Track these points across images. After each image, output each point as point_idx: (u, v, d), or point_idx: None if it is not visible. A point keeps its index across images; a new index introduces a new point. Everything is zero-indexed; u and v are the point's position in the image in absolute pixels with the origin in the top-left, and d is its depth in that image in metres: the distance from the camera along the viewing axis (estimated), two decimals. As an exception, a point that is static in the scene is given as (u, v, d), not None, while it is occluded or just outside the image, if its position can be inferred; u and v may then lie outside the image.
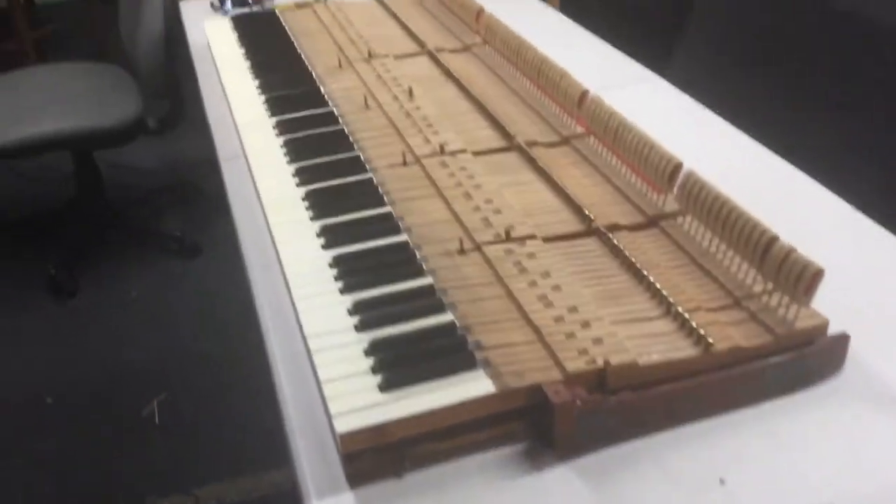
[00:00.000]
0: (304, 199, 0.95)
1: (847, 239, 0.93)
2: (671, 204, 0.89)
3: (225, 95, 1.26)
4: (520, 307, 0.76)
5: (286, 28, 1.46)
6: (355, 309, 0.77)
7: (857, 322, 0.76)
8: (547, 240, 0.85)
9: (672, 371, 0.70)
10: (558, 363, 0.69)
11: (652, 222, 0.88)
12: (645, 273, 0.79)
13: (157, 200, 2.59)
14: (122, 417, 1.79)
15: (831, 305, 0.74)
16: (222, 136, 1.21)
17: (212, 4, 1.71)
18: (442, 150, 1.02)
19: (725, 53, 1.85)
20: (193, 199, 2.57)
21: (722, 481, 0.64)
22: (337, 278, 0.81)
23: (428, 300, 0.77)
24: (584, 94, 1.04)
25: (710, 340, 0.70)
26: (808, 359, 0.72)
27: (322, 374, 0.69)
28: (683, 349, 0.71)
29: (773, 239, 0.74)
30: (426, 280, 0.80)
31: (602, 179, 0.97)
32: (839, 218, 0.96)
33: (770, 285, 0.76)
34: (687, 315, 0.73)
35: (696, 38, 1.90)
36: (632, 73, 1.34)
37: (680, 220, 0.87)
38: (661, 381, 0.69)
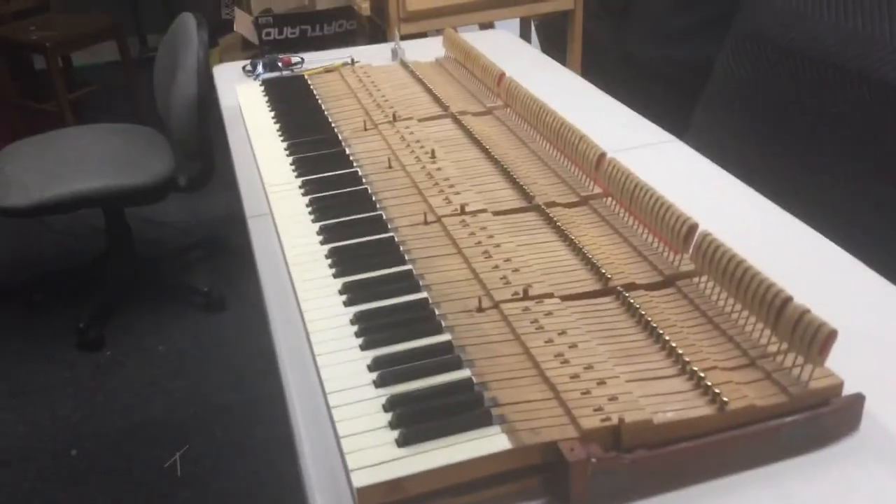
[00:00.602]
0: (327, 257, 0.98)
1: (862, 299, 0.93)
2: (687, 264, 0.91)
3: (254, 156, 1.31)
4: (536, 364, 0.77)
5: (314, 91, 1.51)
6: (375, 365, 0.78)
7: (873, 382, 0.76)
8: (564, 298, 0.87)
9: (687, 430, 0.70)
10: (574, 420, 0.70)
11: (668, 282, 0.90)
12: (661, 332, 0.80)
13: (185, 256, 2.64)
14: (145, 470, 1.81)
15: (847, 366, 0.75)
16: (250, 194, 1.25)
17: (244, 69, 1.78)
18: (462, 210, 1.04)
19: (743, 118, 1.87)
20: (220, 254, 2.62)
21: (737, 542, 0.65)
22: (358, 335, 0.83)
23: (446, 357, 0.79)
24: (602, 155, 1.07)
25: (725, 399, 0.71)
26: (823, 419, 0.72)
27: (341, 430, 0.71)
28: (698, 408, 0.71)
29: (788, 300, 0.75)
30: (445, 337, 0.82)
31: (619, 239, 0.98)
32: (854, 278, 0.97)
33: (785, 345, 0.76)
34: (703, 374, 0.74)
35: (714, 103, 1.94)
36: (650, 135, 1.37)
37: (696, 279, 0.89)
38: (675, 439, 0.70)
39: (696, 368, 0.75)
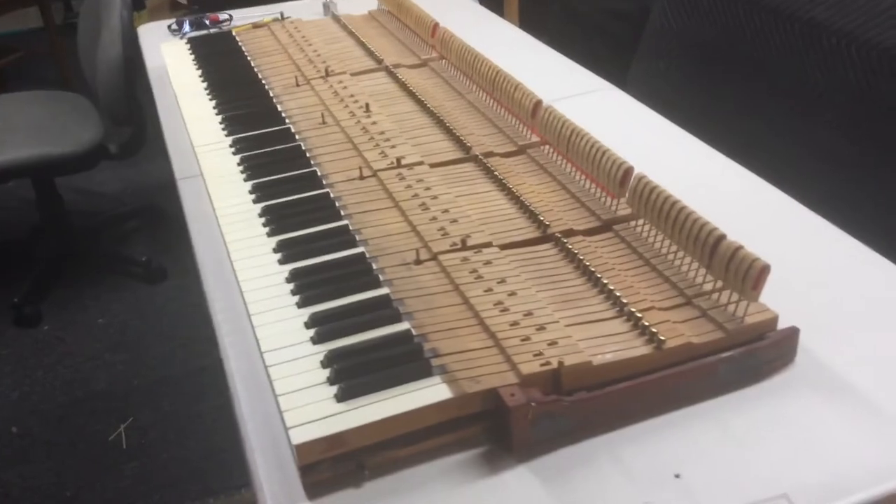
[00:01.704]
0: (260, 216, 0.95)
1: (796, 236, 0.94)
2: (624, 208, 0.91)
3: (182, 116, 1.26)
4: (476, 314, 0.76)
5: (243, 48, 1.46)
6: (312, 322, 0.77)
7: (807, 316, 0.77)
8: (503, 247, 0.86)
9: (626, 370, 0.71)
10: (514, 367, 0.70)
11: (606, 226, 0.90)
12: (599, 276, 0.80)
13: (121, 226, 2.57)
14: (89, 444, 1.77)
15: (781, 301, 0.76)
16: (179, 156, 1.21)
17: (169, 28, 1.72)
18: (398, 163, 1.03)
19: (680, 68, 1.88)
20: (158, 223, 2.55)
21: (677, 476, 0.65)
22: (294, 292, 0.82)
23: (384, 311, 0.78)
24: (538, 103, 1.06)
25: (662, 338, 0.71)
26: (759, 353, 0.73)
27: (278, 388, 0.69)
28: (636, 348, 0.72)
29: (721, 237, 0.76)
30: (382, 291, 0.81)
31: (557, 186, 0.98)
32: (788, 215, 0.98)
33: (720, 283, 0.77)
34: (640, 315, 0.74)
35: (651, 53, 1.93)
36: (587, 83, 1.36)
37: (633, 223, 0.89)
38: (615, 380, 0.70)
39: (633, 310, 0.75)
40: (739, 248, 0.74)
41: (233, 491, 1.62)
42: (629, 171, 0.89)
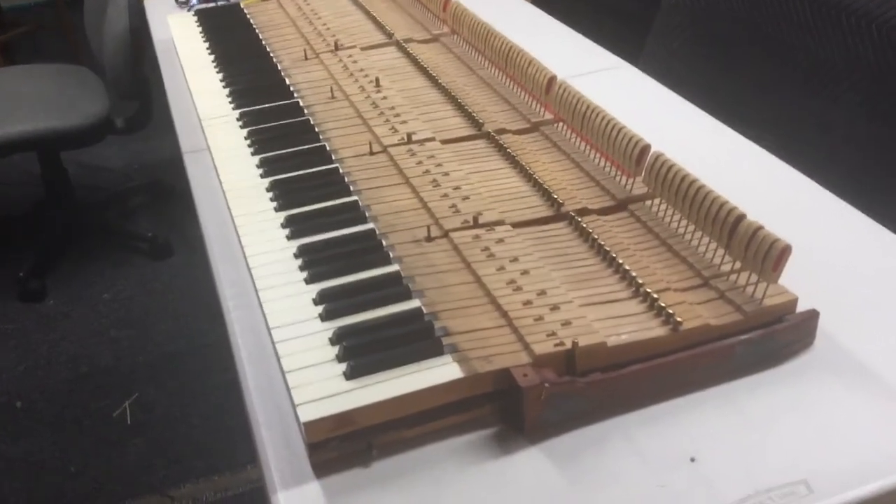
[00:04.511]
0: (268, 190, 0.94)
1: (816, 218, 0.92)
2: (640, 187, 0.89)
3: (188, 89, 1.24)
4: (488, 292, 0.75)
5: (251, 21, 1.44)
6: (321, 299, 0.75)
7: (827, 299, 0.75)
8: (516, 225, 0.85)
9: (641, 351, 0.69)
10: (527, 347, 0.68)
11: (621, 205, 0.88)
12: (614, 256, 0.78)
13: (128, 201, 2.55)
14: (93, 420, 1.77)
15: (800, 283, 0.74)
16: (186, 130, 1.19)
17: (177, 0, 1.69)
18: (409, 139, 1.01)
19: (694, 46, 1.85)
20: (164, 198, 2.54)
21: (692, 459, 0.64)
22: (302, 268, 0.80)
23: (395, 288, 0.76)
24: (552, 79, 1.03)
25: (679, 320, 0.69)
26: (777, 336, 0.71)
27: (286, 364, 0.68)
28: (652, 329, 0.70)
29: (741, 217, 0.74)
30: (393, 268, 0.79)
31: (571, 164, 0.96)
32: (808, 198, 0.96)
33: (738, 264, 0.75)
34: (656, 295, 0.72)
35: (665, 31, 1.90)
36: (602, 60, 1.34)
37: (649, 202, 0.87)
38: (630, 361, 0.69)
39: (649, 290, 0.73)
40: (759, 227, 0.72)
41: (238, 468, 1.62)
42: (646, 148, 0.87)
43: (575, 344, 0.67)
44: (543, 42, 1.24)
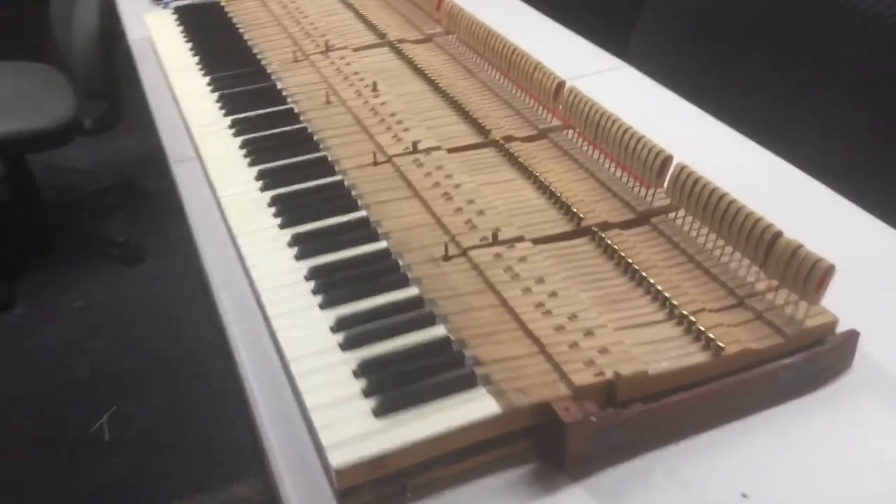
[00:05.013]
0: (270, 206, 0.89)
1: (834, 228, 0.90)
2: (661, 198, 0.85)
3: (173, 93, 1.18)
4: (517, 317, 0.71)
5: (233, 20, 1.38)
6: (338, 325, 0.71)
7: (862, 317, 0.73)
8: (536, 241, 0.81)
9: (682, 379, 0.66)
10: (564, 377, 0.64)
11: (642, 219, 0.84)
12: (644, 275, 0.75)
13: (96, 204, 2.46)
14: (69, 436, 1.70)
15: (834, 301, 0.71)
16: (172, 136, 1.13)
17: (151, -4, 1.62)
18: (415, 148, 0.96)
19: (685, 40, 1.83)
20: (135, 201, 2.46)
21: (744, 496, 0.61)
22: (315, 292, 0.75)
23: (417, 312, 0.72)
24: (561, 84, 1.00)
25: (721, 345, 0.66)
26: (819, 358, 0.69)
27: (310, 401, 0.64)
28: (693, 355, 0.67)
29: (778, 234, 0.71)
30: (412, 291, 0.75)
31: (585, 174, 0.92)
32: (825, 207, 0.94)
33: (774, 283, 0.72)
34: (694, 318, 0.69)
35: (652, 24, 1.88)
36: (601, 62, 1.30)
37: (671, 215, 0.84)
38: (671, 390, 0.65)
39: (685, 313, 0.70)
40: (799, 246, 0.69)
41: (224, 485, 1.56)
42: (668, 159, 0.84)
43: (617, 374, 0.63)
44: (538, 42, 1.19)
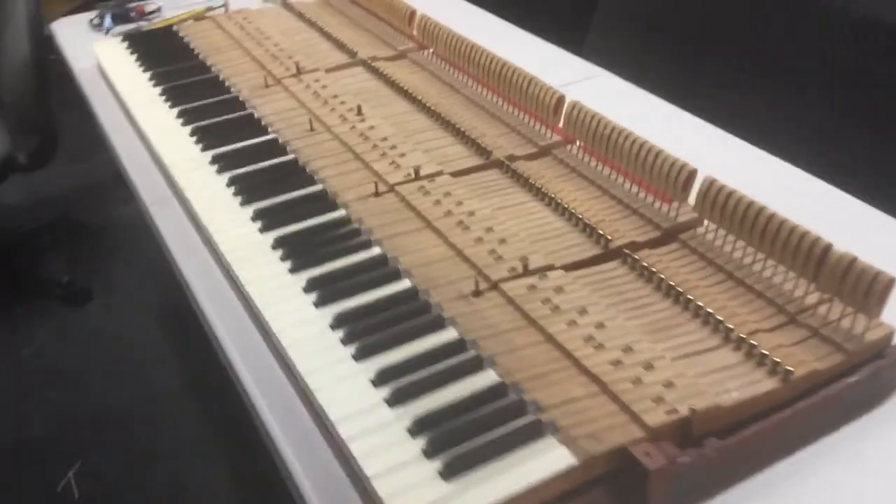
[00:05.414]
0: (274, 248, 0.82)
1: (847, 225, 0.89)
2: (686, 212, 0.83)
3: (139, 129, 1.10)
4: (568, 353, 0.67)
5: (190, 45, 1.30)
6: (380, 378, 0.65)
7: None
8: (568, 269, 0.77)
9: (754, 408, 0.63)
10: (636, 418, 0.61)
11: (669, 235, 0.81)
12: (690, 297, 0.71)
13: (33, 242, 2.32)
14: (35, 497, 1.58)
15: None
16: (143, 177, 1.05)
17: (91, 22, 1.53)
18: (417, 175, 0.91)
19: (634, 39, 1.82)
20: (75, 237, 2.32)
21: (837, 529, 0.58)
22: (345, 341, 0.70)
23: (462, 357, 0.67)
24: (561, 98, 0.96)
25: (790, 368, 0.64)
26: (882, 373, 0.67)
27: (369, 469, 0.58)
28: (761, 382, 0.64)
29: (828, 247, 0.69)
30: (450, 333, 0.70)
31: (597, 191, 0.89)
32: (839, 208, 0.93)
33: (824, 296, 0.70)
34: (753, 341, 0.66)
35: (607, 22, 1.87)
36: (578, 70, 1.27)
37: (700, 230, 0.81)
38: (743, 421, 0.62)
39: (742, 335, 0.67)
40: (854, 259, 0.67)
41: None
42: (693, 173, 0.81)
43: (693, 410, 0.60)
44: (509, 53, 1.16)
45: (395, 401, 0.63)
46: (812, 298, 0.71)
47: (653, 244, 0.80)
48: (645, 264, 0.76)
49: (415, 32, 1.23)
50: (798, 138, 1.44)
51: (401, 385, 0.64)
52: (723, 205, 0.77)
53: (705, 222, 0.81)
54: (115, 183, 2.49)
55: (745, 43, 1.53)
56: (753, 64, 1.52)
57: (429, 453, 0.59)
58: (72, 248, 2.28)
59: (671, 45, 1.70)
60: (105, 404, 1.76)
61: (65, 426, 1.71)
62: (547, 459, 0.58)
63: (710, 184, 0.78)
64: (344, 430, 0.61)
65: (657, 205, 0.85)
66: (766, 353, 0.65)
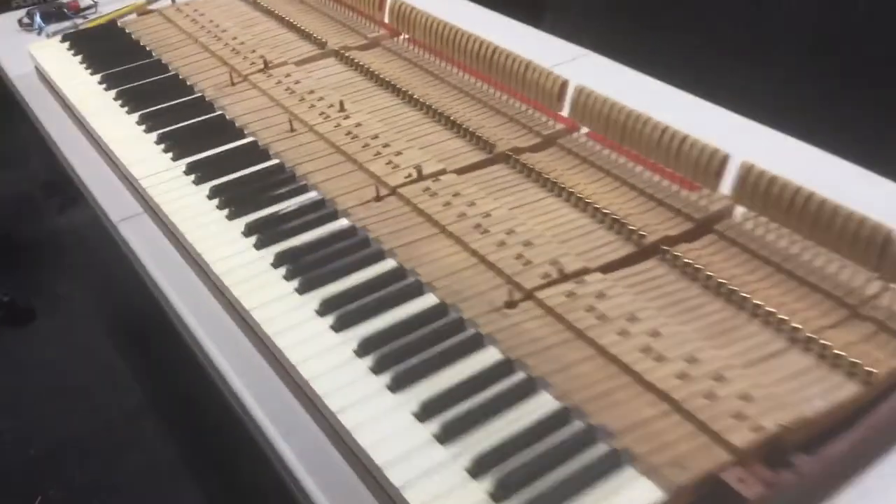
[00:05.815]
0: (275, 266, 0.74)
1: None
2: (715, 201, 0.77)
3: (97, 138, 0.99)
4: (627, 368, 0.61)
5: (140, 42, 1.19)
6: (424, 412, 0.58)
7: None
8: (604, 270, 0.71)
9: (838, 415, 0.58)
10: (718, 438, 0.55)
11: (704, 226, 0.76)
12: (745, 295, 0.66)
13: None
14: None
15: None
16: (106, 191, 0.95)
17: (20, 22, 1.39)
18: (419, 175, 0.84)
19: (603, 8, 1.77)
20: (12, 253, 2.16)
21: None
22: (376, 370, 0.62)
23: (512, 380, 0.60)
24: (565, 84, 0.89)
25: (871, 370, 0.59)
26: (957, 365, 0.62)
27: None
28: (843, 386, 0.59)
29: (890, 233, 0.64)
30: (492, 352, 0.63)
31: (615, 182, 0.83)
32: (857, 187, 0.89)
33: (885, 284, 0.65)
34: (824, 342, 0.61)
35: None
36: (562, 52, 1.21)
37: (737, 219, 0.75)
38: (826, 431, 0.57)
39: (811, 335, 0.62)
40: (921, 245, 0.62)
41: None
42: (725, 159, 0.75)
43: (782, 426, 0.54)
44: (488, 37, 1.08)
45: (445, 437, 0.56)
46: (873, 288, 0.66)
47: (689, 237, 0.75)
48: (687, 260, 0.70)
49: (386, 19, 1.15)
50: (784, 106, 1.42)
51: (450, 419, 0.57)
52: (764, 191, 0.71)
53: (737, 210, 0.76)
54: (46, 192, 2.34)
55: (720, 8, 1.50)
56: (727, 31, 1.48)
57: (497, 497, 0.52)
58: (9, 266, 2.12)
59: (638, 15, 1.65)
60: (59, 435, 1.63)
61: (19, 460, 1.58)
62: (632, 494, 0.52)
63: (748, 169, 0.73)
64: (396, 478, 0.54)
65: (681, 192, 0.79)
66: (842, 353, 0.60)
